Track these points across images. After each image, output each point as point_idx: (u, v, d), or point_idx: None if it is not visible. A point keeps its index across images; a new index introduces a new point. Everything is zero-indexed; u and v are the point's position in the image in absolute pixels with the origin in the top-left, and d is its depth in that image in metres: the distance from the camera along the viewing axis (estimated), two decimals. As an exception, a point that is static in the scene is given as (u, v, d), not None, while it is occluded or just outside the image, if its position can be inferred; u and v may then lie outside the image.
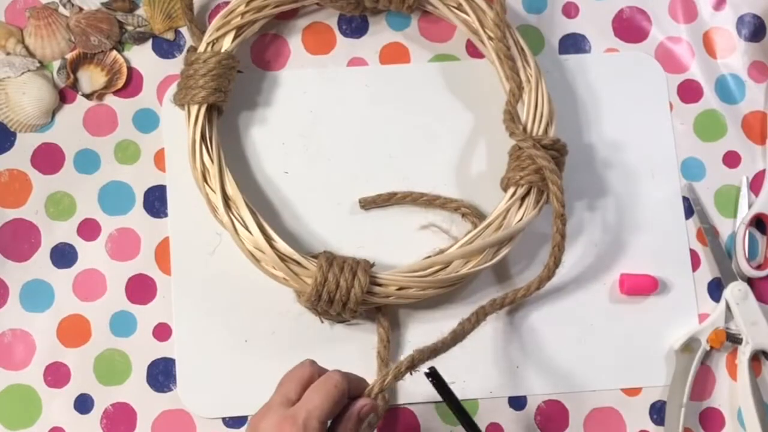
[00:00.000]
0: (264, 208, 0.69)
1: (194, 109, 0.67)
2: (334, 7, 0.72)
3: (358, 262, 0.65)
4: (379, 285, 0.65)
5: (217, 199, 0.65)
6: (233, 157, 0.71)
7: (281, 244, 0.65)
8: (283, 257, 0.65)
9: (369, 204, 0.70)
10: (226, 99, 0.69)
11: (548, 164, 0.65)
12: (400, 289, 0.65)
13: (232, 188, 0.66)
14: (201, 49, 0.69)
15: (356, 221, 0.71)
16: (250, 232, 0.65)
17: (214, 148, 0.67)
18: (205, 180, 0.66)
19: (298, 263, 0.65)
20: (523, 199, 0.67)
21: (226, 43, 0.69)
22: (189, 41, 0.73)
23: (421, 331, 0.69)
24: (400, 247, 0.70)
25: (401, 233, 0.71)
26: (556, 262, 0.66)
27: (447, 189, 0.71)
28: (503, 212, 0.67)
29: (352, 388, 0.56)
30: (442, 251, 0.67)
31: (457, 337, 0.62)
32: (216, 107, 0.68)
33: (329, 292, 0.64)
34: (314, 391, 0.54)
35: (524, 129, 0.67)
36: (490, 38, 0.70)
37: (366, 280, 0.64)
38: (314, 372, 0.56)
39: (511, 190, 0.67)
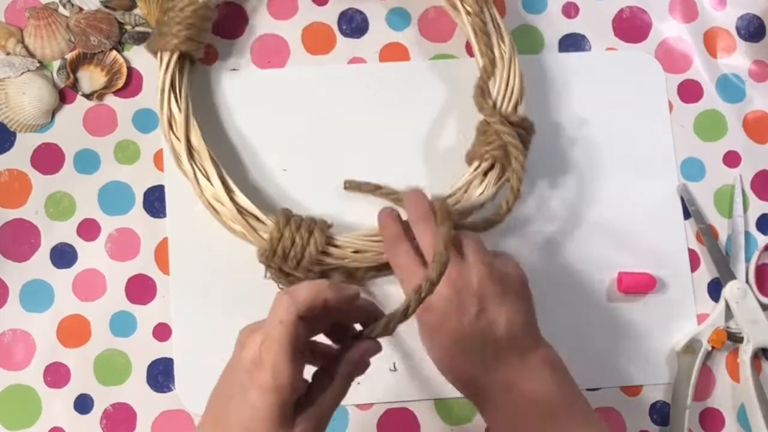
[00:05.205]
0: (263, 206, 0.69)
1: (166, 55, 0.67)
2: None
3: (315, 222, 0.65)
4: (336, 246, 0.65)
5: (181, 148, 0.66)
6: (233, 157, 0.71)
7: (241, 198, 0.65)
8: (241, 210, 0.65)
9: (354, 188, 0.70)
10: (200, 50, 0.68)
11: (513, 140, 0.65)
12: (356, 252, 0.65)
13: (196, 138, 0.66)
14: None
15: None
16: (211, 184, 0.65)
17: (182, 97, 0.67)
18: (171, 128, 0.66)
19: (257, 218, 0.65)
20: (485, 174, 0.67)
21: None
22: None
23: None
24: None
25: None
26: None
27: (444, 187, 0.71)
28: (465, 185, 0.67)
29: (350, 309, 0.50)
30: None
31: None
32: (188, 57, 0.68)
33: (284, 248, 0.63)
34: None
35: (494, 105, 0.67)
36: (468, 13, 0.70)
37: (322, 239, 0.64)
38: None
39: (474, 164, 0.67)
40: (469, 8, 0.70)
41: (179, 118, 0.66)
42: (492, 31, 0.69)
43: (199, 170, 0.65)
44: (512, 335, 0.56)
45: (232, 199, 0.65)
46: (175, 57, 0.67)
